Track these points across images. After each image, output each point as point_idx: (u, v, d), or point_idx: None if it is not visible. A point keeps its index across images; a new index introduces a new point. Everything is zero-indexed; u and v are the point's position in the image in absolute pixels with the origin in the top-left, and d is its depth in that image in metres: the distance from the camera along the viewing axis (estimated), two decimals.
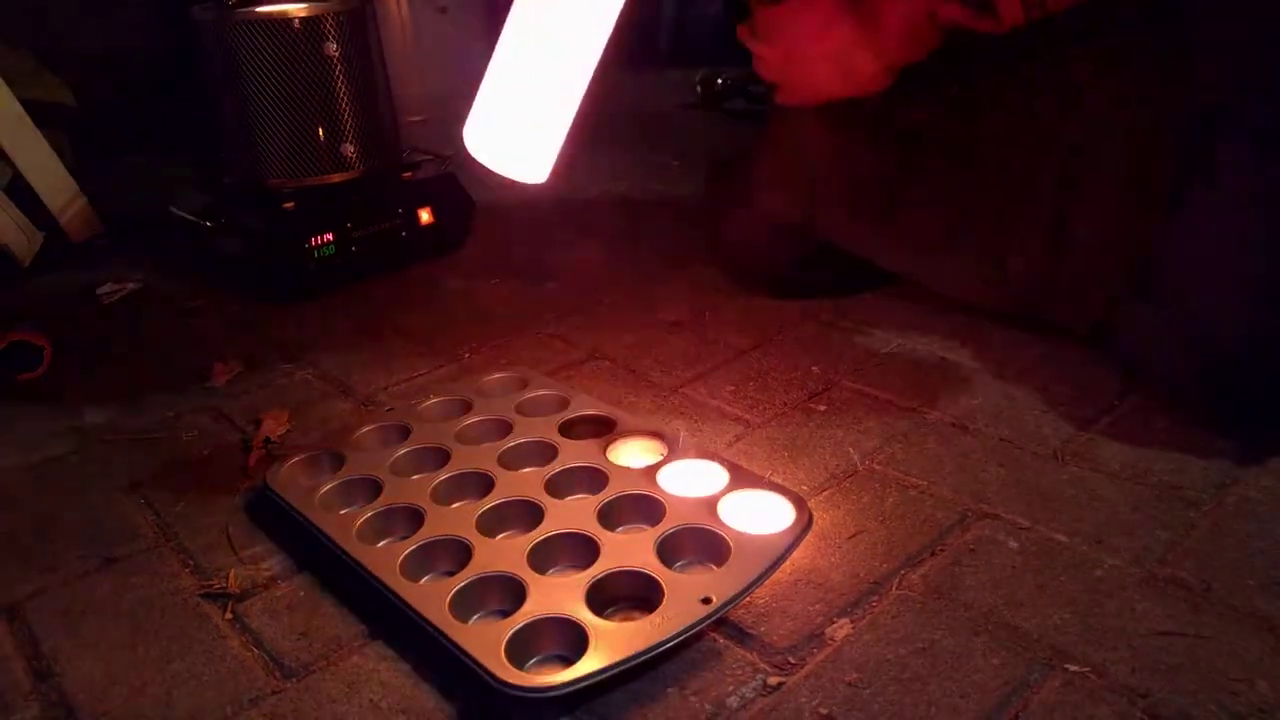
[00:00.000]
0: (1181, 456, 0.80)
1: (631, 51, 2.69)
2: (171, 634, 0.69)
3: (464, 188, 1.40)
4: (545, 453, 0.83)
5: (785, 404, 0.93)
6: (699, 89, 2.25)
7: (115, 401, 1.04)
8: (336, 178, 1.29)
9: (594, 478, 0.79)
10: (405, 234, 1.33)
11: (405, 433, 0.88)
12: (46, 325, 1.13)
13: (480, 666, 0.60)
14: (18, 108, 1.46)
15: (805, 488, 0.80)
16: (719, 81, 2.21)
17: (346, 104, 1.26)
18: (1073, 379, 0.93)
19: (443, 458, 0.83)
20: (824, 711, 0.58)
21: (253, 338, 1.17)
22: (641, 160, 1.86)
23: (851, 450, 0.85)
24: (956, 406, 0.90)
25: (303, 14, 1.20)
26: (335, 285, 1.28)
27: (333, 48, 1.22)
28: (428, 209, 1.35)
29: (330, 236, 1.25)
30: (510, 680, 0.58)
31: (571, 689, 0.58)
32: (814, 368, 1.00)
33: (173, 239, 1.41)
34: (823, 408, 0.92)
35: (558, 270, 1.32)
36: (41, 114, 1.54)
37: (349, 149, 1.28)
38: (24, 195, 1.46)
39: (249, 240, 1.24)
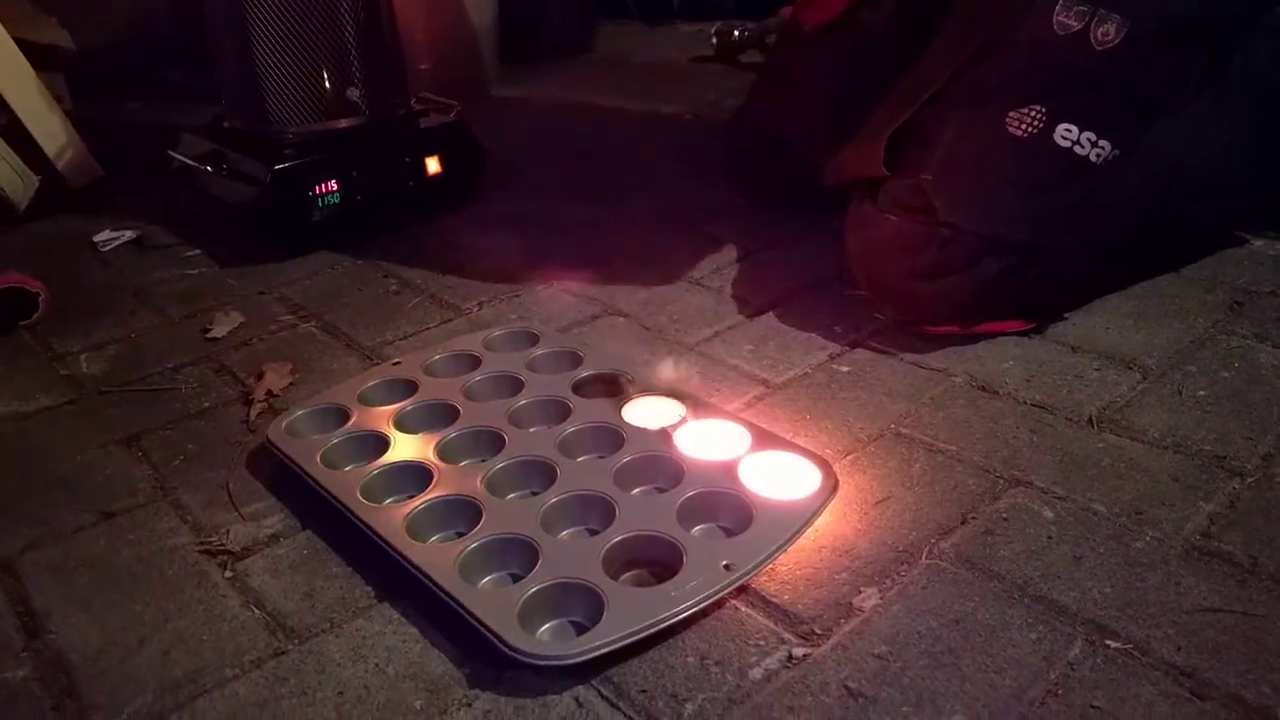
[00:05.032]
0: (1224, 425, 0.76)
1: (645, 5, 2.62)
2: (169, 592, 0.66)
3: (474, 137, 1.35)
4: (558, 411, 0.80)
5: (807, 364, 0.90)
6: (714, 41, 2.19)
7: (113, 352, 1.00)
8: (342, 124, 1.24)
9: (609, 438, 0.76)
10: (413, 184, 1.29)
11: (412, 388, 0.85)
12: (43, 273, 1.09)
13: (491, 632, 0.57)
14: (14, 50, 1.41)
15: (829, 451, 0.77)
16: (734, 34, 2.15)
17: (353, 46, 1.21)
18: (1101, 349, 0.89)
19: (451, 414, 0.80)
20: (852, 685, 0.55)
21: (255, 288, 1.13)
22: (655, 114, 1.80)
23: (877, 412, 0.81)
24: (984, 369, 0.87)
25: None
26: (340, 235, 1.24)
27: None
28: (436, 158, 1.30)
29: (335, 185, 1.20)
30: (522, 647, 0.56)
31: (586, 657, 0.55)
32: (836, 327, 0.96)
33: (172, 186, 1.37)
34: (846, 369, 0.89)
35: (570, 224, 1.28)
36: (38, 56, 1.49)
37: (355, 93, 1.23)
38: (20, 139, 1.41)
39: (250, 188, 1.20)
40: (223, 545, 0.70)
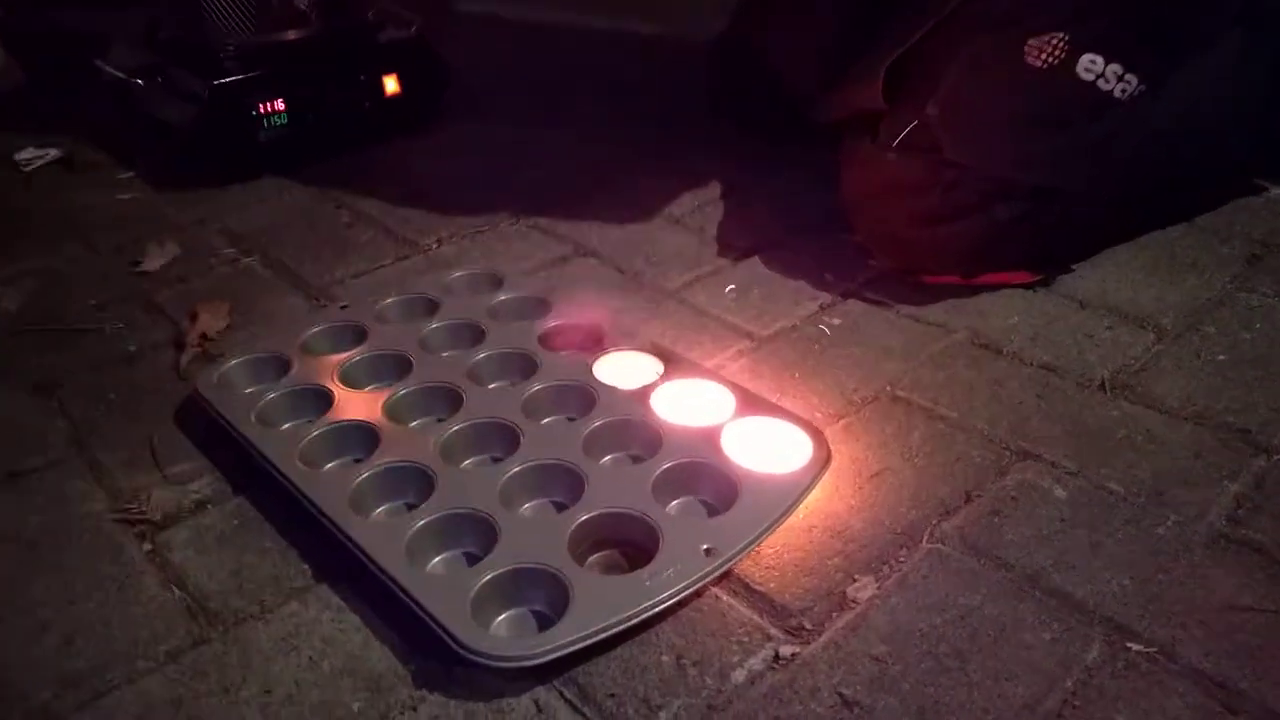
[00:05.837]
0: (1247, 393, 0.70)
1: None
2: (77, 568, 0.59)
3: (437, 54, 1.24)
4: (522, 366, 0.73)
5: (795, 316, 0.83)
6: None
7: (31, 286, 0.92)
8: (290, 35, 1.13)
9: (579, 398, 0.69)
10: (369, 104, 1.19)
11: (361, 335, 0.77)
12: None
13: (440, 626, 0.50)
14: None
15: (819, 415, 0.70)
16: None
17: None
18: (1110, 306, 0.83)
19: (403, 367, 0.73)
20: (846, 692, 0.49)
21: (193, 217, 1.04)
22: (633, 34, 1.69)
23: (872, 372, 0.75)
24: (987, 325, 0.80)
25: None
26: (287, 161, 1.14)
27: None
28: (395, 77, 1.20)
29: (282, 104, 1.10)
30: (476, 646, 0.49)
31: (548, 658, 0.49)
32: (827, 275, 0.88)
33: (102, 100, 1.25)
34: (837, 321, 0.82)
35: (540, 153, 1.19)
36: None
37: (304, 2, 1.12)
38: None
39: (188, 104, 1.09)
40: (142, 513, 0.63)
